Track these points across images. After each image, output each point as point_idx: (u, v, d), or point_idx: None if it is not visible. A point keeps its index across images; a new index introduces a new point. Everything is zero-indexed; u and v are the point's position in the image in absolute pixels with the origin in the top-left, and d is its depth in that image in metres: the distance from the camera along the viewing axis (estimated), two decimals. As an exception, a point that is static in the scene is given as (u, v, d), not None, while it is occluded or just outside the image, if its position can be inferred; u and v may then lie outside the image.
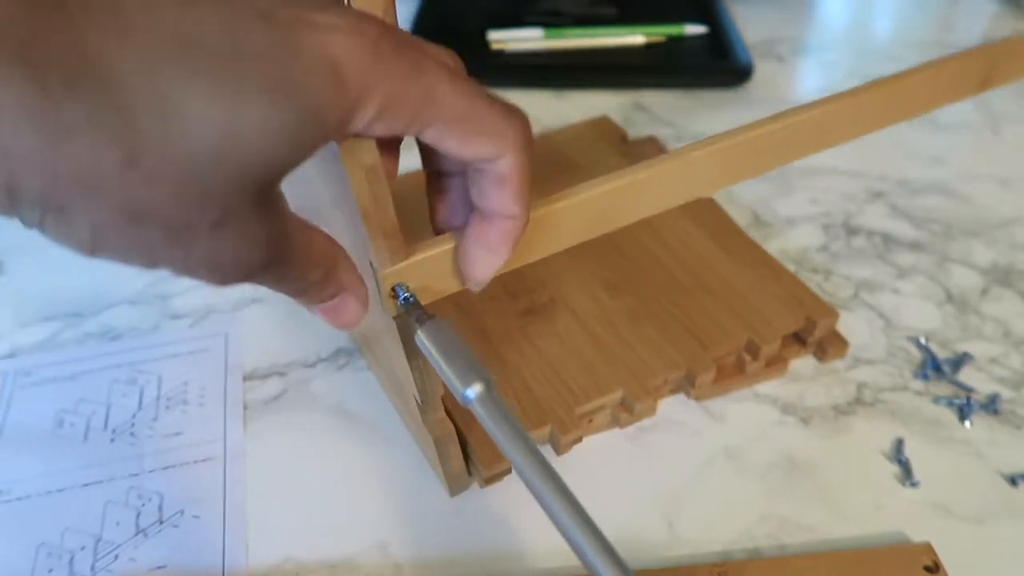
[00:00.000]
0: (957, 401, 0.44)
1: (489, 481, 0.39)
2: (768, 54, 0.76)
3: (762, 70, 0.73)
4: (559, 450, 0.41)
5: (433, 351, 0.27)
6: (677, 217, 0.51)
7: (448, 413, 0.36)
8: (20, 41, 0.16)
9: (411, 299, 0.28)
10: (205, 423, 0.43)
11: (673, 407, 0.44)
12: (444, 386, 0.34)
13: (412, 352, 0.32)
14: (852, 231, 0.55)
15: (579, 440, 0.41)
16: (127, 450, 0.42)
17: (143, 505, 0.39)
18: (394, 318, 0.29)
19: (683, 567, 0.36)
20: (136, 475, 0.41)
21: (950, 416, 0.43)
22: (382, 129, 0.22)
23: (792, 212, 0.57)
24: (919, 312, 0.49)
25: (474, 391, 0.26)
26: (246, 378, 0.46)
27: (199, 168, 0.19)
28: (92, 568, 0.37)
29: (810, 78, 0.76)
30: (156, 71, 0.18)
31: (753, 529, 0.38)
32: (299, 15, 0.20)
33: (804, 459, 0.41)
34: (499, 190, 0.25)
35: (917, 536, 0.37)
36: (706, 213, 0.51)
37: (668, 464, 0.41)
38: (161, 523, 0.39)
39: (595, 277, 0.47)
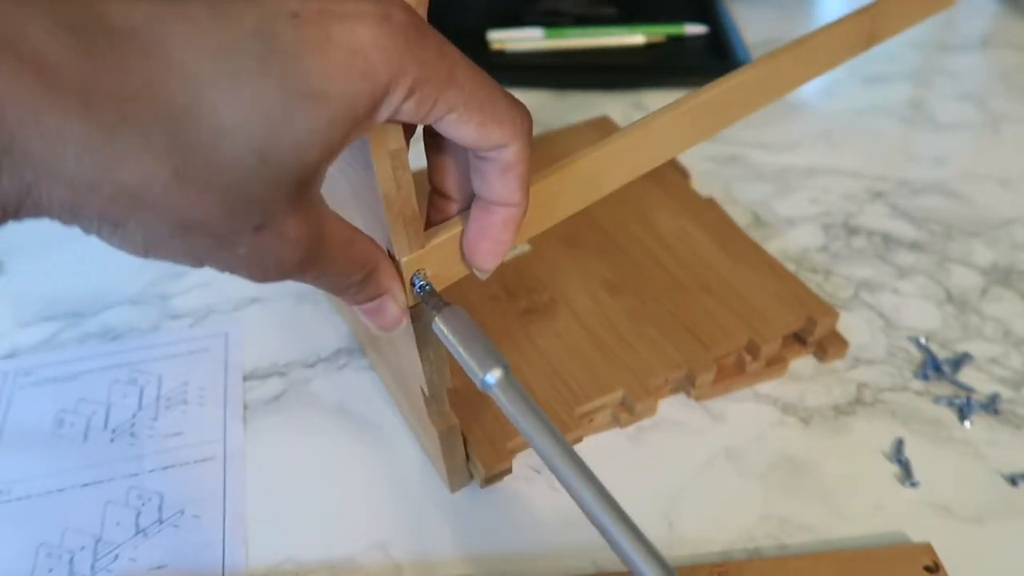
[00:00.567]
0: (957, 401, 0.44)
1: (489, 481, 0.39)
2: (768, 54, 0.76)
3: (762, 70, 0.72)
4: (559, 450, 0.41)
5: (451, 338, 0.28)
6: (677, 217, 0.51)
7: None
8: (79, 82, 0.18)
9: (428, 287, 0.29)
10: (205, 423, 0.43)
11: (673, 407, 0.44)
12: (450, 379, 0.34)
13: (424, 342, 0.32)
14: (852, 231, 0.55)
15: (579, 440, 0.41)
16: (127, 450, 0.42)
17: (143, 505, 0.39)
18: (411, 307, 0.29)
19: (683, 567, 0.36)
20: (136, 475, 0.41)
21: (950, 416, 0.43)
22: (409, 112, 0.22)
23: (792, 212, 0.57)
24: (919, 312, 0.49)
25: (494, 376, 0.27)
26: (246, 378, 0.46)
27: (241, 177, 0.20)
28: (92, 568, 0.37)
29: (810, 78, 0.76)
30: (196, 89, 0.19)
31: (753, 529, 0.38)
32: (326, 7, 0.20)
33: (804, 459, 0.41)
34: (503, 178, 0.26)
35: (917, 536, 0.37)
36: (706, 213, 0.51)
37: (668, 464, 0.41)
38: (161, 523, 0.39)
39: (595, 277, 0.47)
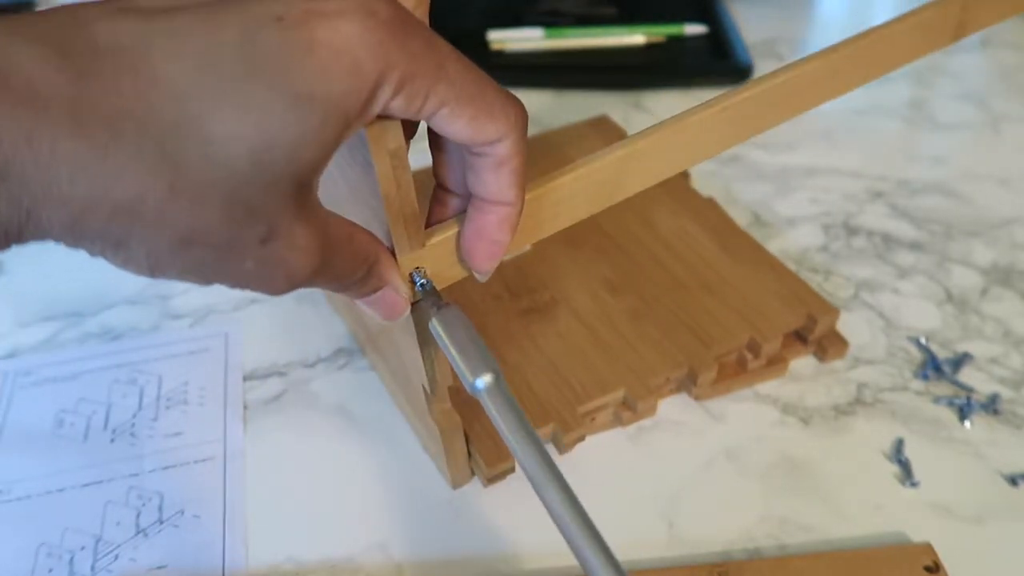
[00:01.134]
0: (957, 401, 0.44)
1: (492, 480, 0.39)
2: (768, 54, 0.76)
3: (762, 70, 0.72)
4: (562, 449, 0.41)
5: (446, 339, 0.28)
6: (678, 217, 0.51)
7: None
8: (68, 103, 0.18)
9: (428, 285, 0.29)
10: (205, 423, 0.43)
11: (674, 407, 0.44)
12: (452, 377, 0.34)
13: (425, 339, 0.32)
14: (852, 231, 0.55)
15: (582, 439, 0.41)
16: (127, 450, 0.42)
17: (143, 505, 0.39)
18: (412, 304, 0.29)
19: (683, 567, 0.36)
20: (136, 475, 0.41)
21: (950, 416, 0.43)
22: (400, 108, 0.22)
23: (792, 212, 0.57)
24: (919, 312, 0.49)
25: (483, 381, 0.27)
26: (246, 378, 0.46)
27: (236, 185, 0.20)
28: (92, 568, 0.37)
29: (810, 78, 0.76)
30: (184, 102, 0.19)
31: (753, 529, 0.38)
32: (310, 7, 0.20)
33: (804, 459, 0.41)
34: (497, 174, 0.26)
35: (917, 536, 0.37)
36: (706, 213, 0.51)
37: (668, 464, 0.41)
38: (161, 523, 0.39)
39: (596, 276, 0.47)
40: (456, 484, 0.40)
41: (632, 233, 0.50)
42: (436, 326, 0.28)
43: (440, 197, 0.29)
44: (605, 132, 0.59)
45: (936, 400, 0.44)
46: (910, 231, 0.55)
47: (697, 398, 0.44)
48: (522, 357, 0.43)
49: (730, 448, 0.42)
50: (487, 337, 0.44)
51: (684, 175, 0.55)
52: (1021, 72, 0.72)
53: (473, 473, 0.40)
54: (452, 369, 0.34)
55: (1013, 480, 0.40)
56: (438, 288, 0.29)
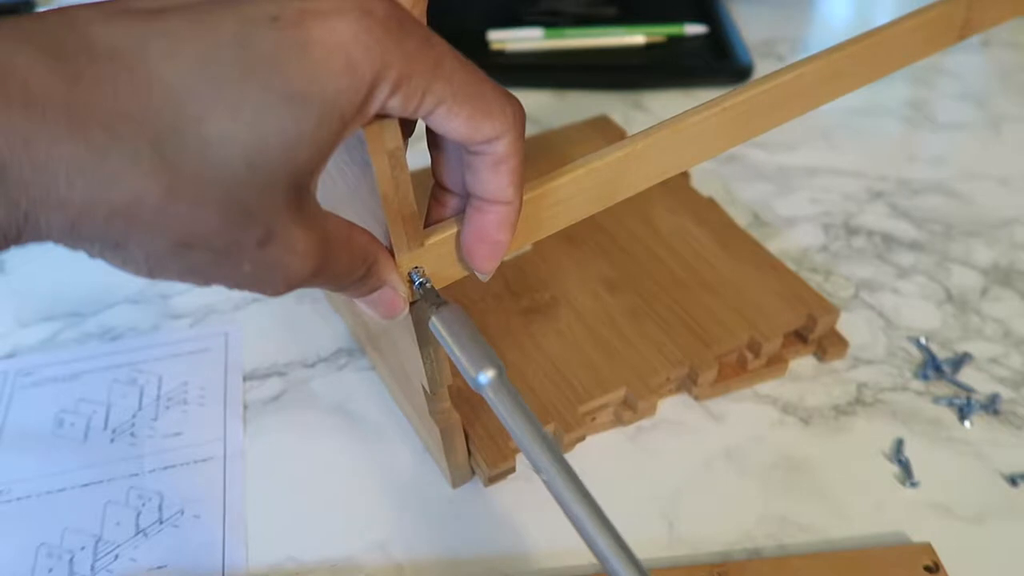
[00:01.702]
0: (957, 401, 0.44)
1: (492, 480, 0.39)
2: (768, 54, 0.76)
3: (762, 70, 0.72)
4: (563, 448, 0.41)
5: (447, 337, 0.28)
6: (678, 216, 0.51)
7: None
8: (65, 106, 0.18)
9: (426, 284, 0.29)
10: (205, 423, 0.43)
11: (673, 407, 0.44)
12: (452, 376, 0.34)
13: (424, 339, 0.32)
14: (852, 231, 0.55)
15: (583, 438, 0.41)
16: (127, 450, 0.42)
17: (143, 505, 0.39)
18: (411, 303, 0.29)
19: (683, 567, 0.36)
20: (136, 475, 0.41)
21: (950, 416, 0.43)
22: (397, 107, 0.22)
23: (792, 212, 0.57)
24: (919, 312, 0.49)
25: (487, 376, 0.27)
26: (246, 378, 0.46)
27: (232, 187, 0.20)
28: (92, 568, 0.37)
29: (810, 78, 0.75)
30: (180, 103, 0.19)
31: (753, 529, 0.38)
32: (305, 7, 0.20)
33: (804, 459, 0.41)
34: (495, 172, 0.26)
35: (917, 536, 0.37)
36: (706, 213, 0.51)
37: (668, 464, 0.41)
38: (161, 523, 0.39)
39: (596, 276, 0.47)
40: (456, 484, 0.40)
41: (632, 233, 0.50)
42: (436, 324, 0.28)
43: (439, 197, 0.29)
44: (605, 132, 0.59)
45: (936, 400, 0.44)
46: (910, 231, 0.55)
47: (697, 398, 0.44)
48: (522, 356, 0.43)
49: (730, 448, 0.42)
50: (487, 336, 0.43)
51: (684, 175, 0.55)
52: (1021, 72, 0.72)
53: (473, 473, 0.40)
54: (452, 368, 0.34)
55: (1013, 480, 0.40)
56: (437, 287, 0.29)
